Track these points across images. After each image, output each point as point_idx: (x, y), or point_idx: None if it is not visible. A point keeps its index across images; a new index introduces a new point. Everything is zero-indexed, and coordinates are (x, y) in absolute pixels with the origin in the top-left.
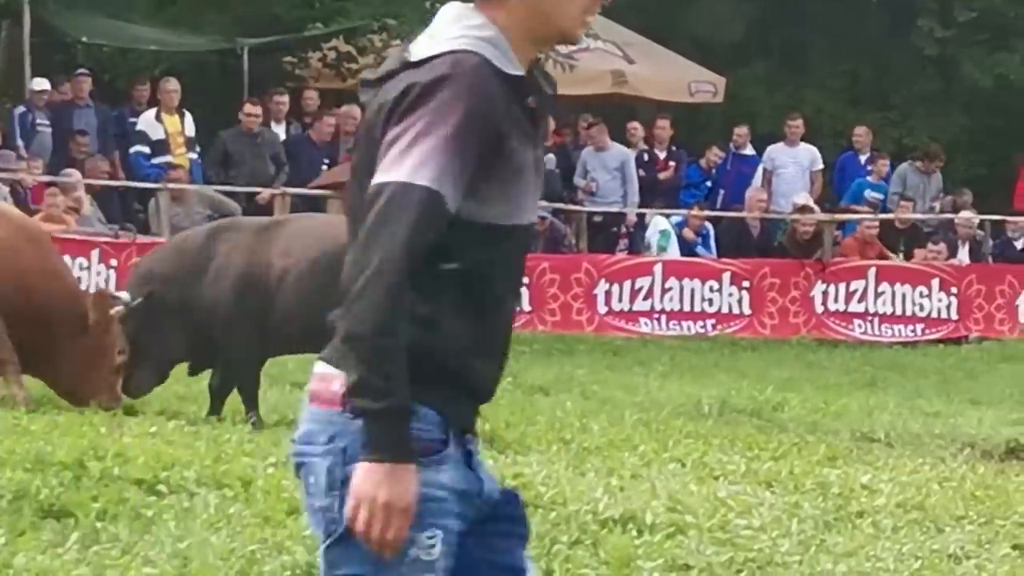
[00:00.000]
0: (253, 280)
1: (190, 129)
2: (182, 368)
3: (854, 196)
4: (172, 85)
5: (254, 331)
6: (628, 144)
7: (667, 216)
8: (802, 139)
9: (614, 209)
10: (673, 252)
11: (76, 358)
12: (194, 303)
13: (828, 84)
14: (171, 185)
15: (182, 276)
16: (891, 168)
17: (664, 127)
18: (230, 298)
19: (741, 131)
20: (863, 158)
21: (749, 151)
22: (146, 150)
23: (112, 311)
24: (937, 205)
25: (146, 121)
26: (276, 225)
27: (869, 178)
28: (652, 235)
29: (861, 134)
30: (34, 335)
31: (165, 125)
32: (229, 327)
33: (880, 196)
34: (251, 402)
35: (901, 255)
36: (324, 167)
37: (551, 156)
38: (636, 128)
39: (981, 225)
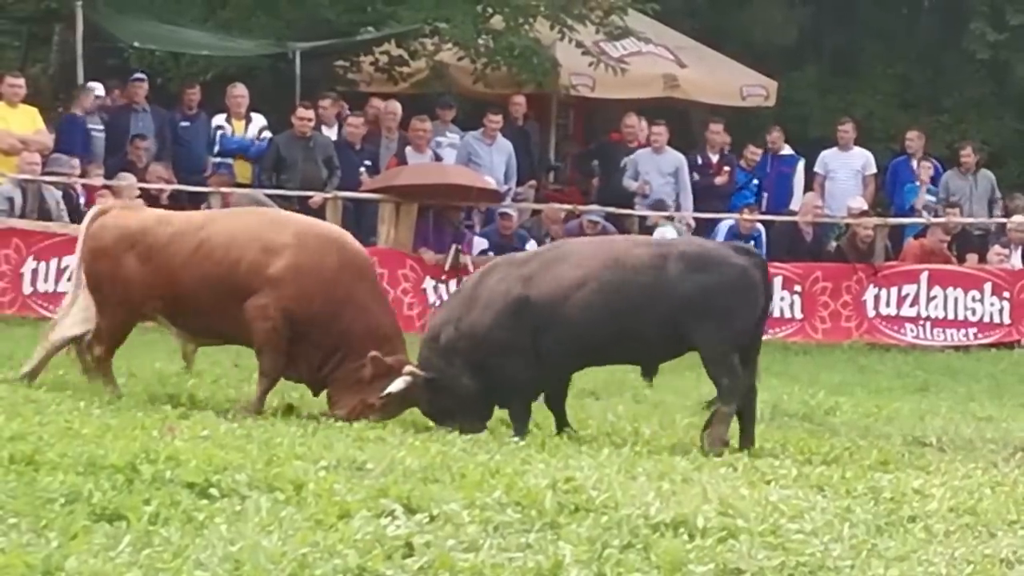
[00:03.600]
0: (525, 307)
1: (253, 132)
2: (233, 373)
3: (910, 201)
4: (239, 91)
5: (526, 356)
6: (692, 147)
7: (720, 220)
8: (855, 143)
9: (665, 213)
10: None
11: (347, 380)
12: (470, 338)
13: (880, 88)
14: (223, 189)
15: (459, 316)
16: (944, 172)
17: (718, 131)
18: (502, 326)
19: (774, 136)
20: (915, 163)
21: (787, 151)
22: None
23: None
24: (996, 209)
25: (217, 122)
26: (547, 251)
27: (916, 183)
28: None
29: (913, 138)
30: (328, 357)
31: (232, 129)
32: (502, 355)
33: (932, 199)
34: (520, 425)
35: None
36: (362, 170)
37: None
38: (718, 132)
39: None
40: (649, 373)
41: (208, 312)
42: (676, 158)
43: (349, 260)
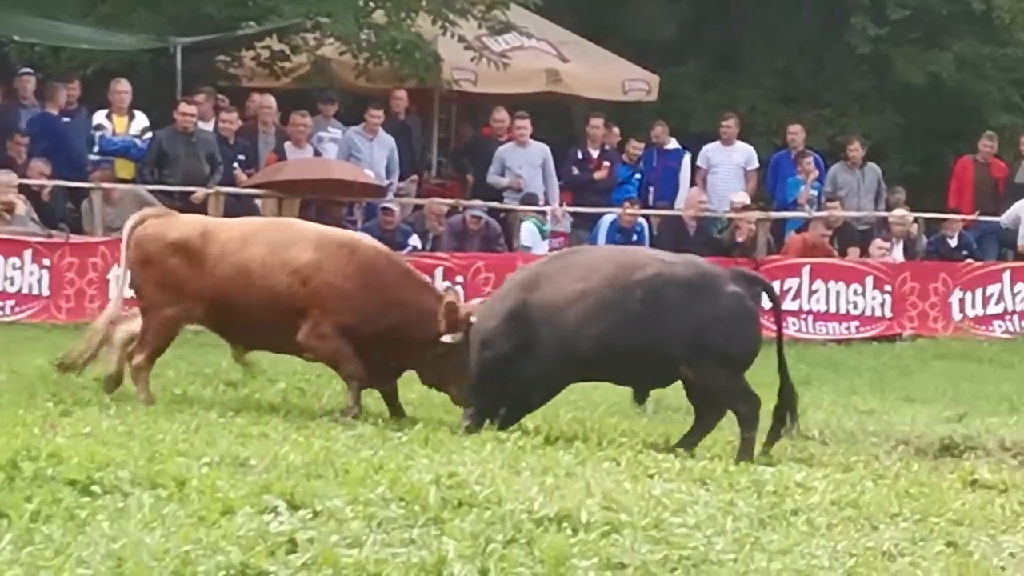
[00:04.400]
0: (519, 316)
1: (136, 129)
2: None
3: (792, 194)
4: (122, 86)
5: (506, 365)
6: (574, 141)
7: (601, 215)
8: (737, 138)
9: (545, 208)
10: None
11: (433, 362)
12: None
13: (761, 82)
14: (105, 185)
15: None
16: (826, 165)
17: (597, 126)
18: (495, 331)
19: (657, 131)
20: (797, 157)
21: (673, 145)
22: (109, 134)
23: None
24: (882, 202)
25: (97, 120)
26: (553, 259)
27: (798, 176)
28: (527, 239)
29: (796, 132)
30: (394, 351)
31: (114, 125)
32: (482, 357)
33: (815, 193)
34: (477, 420)
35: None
36: (236, 165)
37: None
38: (598, 127)
39: (915, 222)
40: (640, 398)
41: (256, 329)
42: (542, 149)
43: (366, 260)
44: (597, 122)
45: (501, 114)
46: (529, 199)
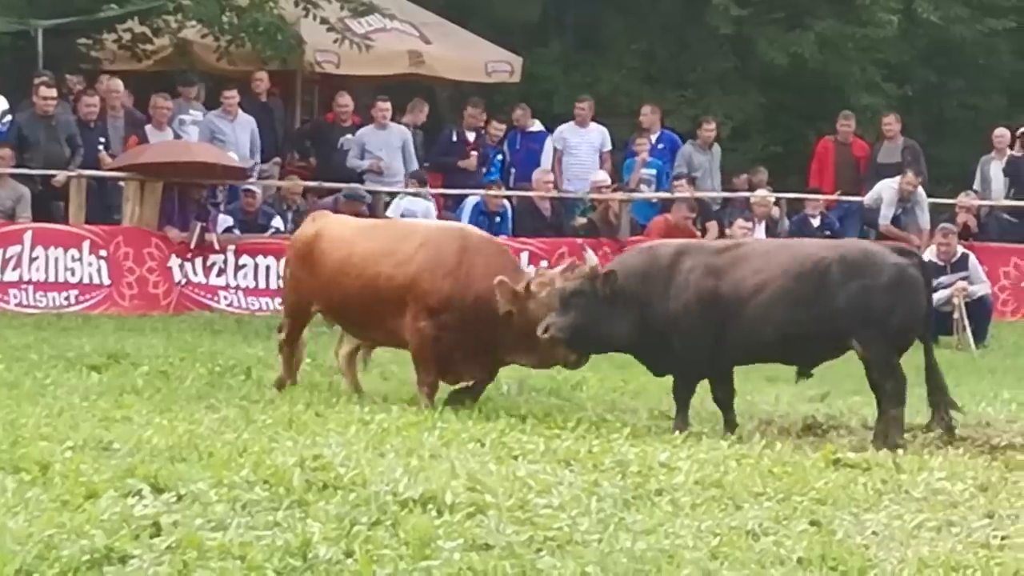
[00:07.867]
0: (715, 299)
1: None
2: None
3: (629, 174)
4: None
5: (707, 346)
6: (438, 124)
7: (465, 196)
8: (598, 119)
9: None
10: None
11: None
12: (653, 308)
13: (624, 63)
14: None
15: (644, 277)
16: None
17: (475, 114)
18: (693, 313)
19: (518, 113)
20: (654, 137)
21: (537, 127)
22: None
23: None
24: (718, 181)
25: None
26: (735, 247)
27: (636, 157)
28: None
29: (647, 113)
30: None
31: None
32: (687, 340)
33: (653, 172)
34: (682, 408)
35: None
36: (100, 147)
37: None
38: (475, 115)
39: (777, 203)
40: (805, 373)
41: (360, 321)
42: (402, 132)
43: (473, 247)
44: (476, 111)
45: (345, 99)
46: (417, 176)
